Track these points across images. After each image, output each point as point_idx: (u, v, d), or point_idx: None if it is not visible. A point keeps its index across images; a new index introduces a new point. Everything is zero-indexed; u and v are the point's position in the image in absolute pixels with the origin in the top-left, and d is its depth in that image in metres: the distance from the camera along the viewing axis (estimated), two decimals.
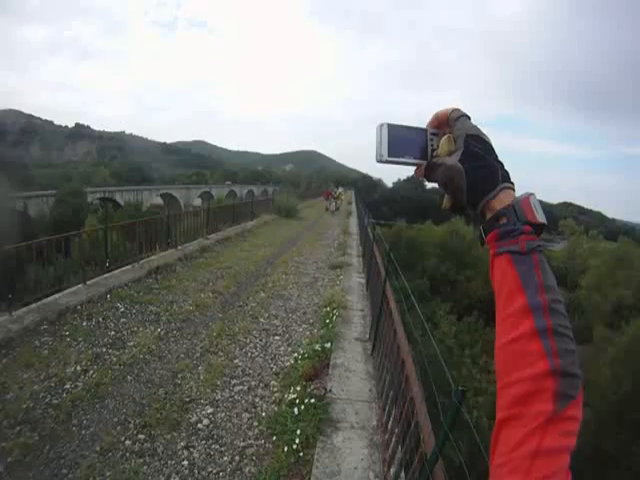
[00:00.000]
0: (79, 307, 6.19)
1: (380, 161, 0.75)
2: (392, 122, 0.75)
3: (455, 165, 0.69)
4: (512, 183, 0.69)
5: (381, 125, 0.75)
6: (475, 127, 0.71)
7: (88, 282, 7.06)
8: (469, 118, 0.73)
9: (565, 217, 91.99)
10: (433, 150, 0.75)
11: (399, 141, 0.75)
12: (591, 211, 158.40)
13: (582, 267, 46.38)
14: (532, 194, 0.66)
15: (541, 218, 0.64)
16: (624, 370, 16.24)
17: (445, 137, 0.73)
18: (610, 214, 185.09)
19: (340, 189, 34.82)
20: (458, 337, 18.57)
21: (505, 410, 0.56)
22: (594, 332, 26.87)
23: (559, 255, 58.22)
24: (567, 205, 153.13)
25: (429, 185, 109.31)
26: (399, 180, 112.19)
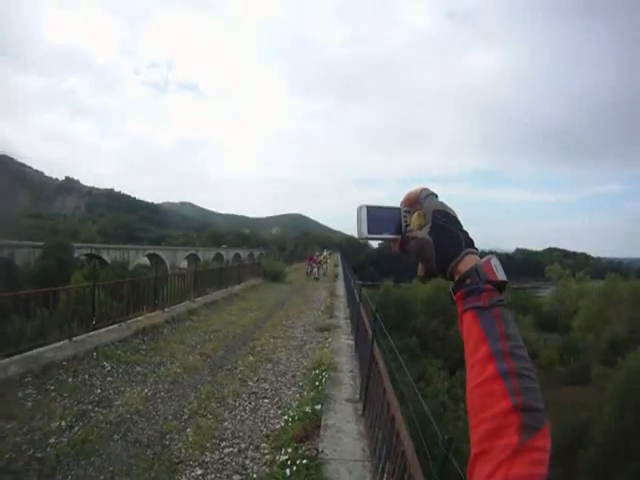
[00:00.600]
0: (65, 363, 6.16)
1: (361, 238, 0.86)
2: (369, 204, 0.85)
3: (424, 237, 0.78)
4: (476, 249, 0.78)
5: (361, 207, 0.84)
6: (441, 203, 0.81)
7: (74, 338, 7.02)
8: (436, 196, 0.83)
9: (552, 262, 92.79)
10: (407, 225, 0.85)
11: (377, 220, 0.85)
12: (575, 253, 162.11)
13: (572, 309, 46.64)
14: (493, 256, 0.75)
15: (501, 276, 0.72)
16: (625, 404, 16.28)
17: (416, 214, 0.83)
18: (595, 253, 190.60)
19: (325, 252, 34.13)
20: (452, 392, 18.36)
21: (476, 446, 0.60)
22: (592, 371, 26.70)
23: (548, 300, 58.47)
24: (552, 250, 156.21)
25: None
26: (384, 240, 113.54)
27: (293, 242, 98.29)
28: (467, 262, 0.75)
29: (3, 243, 47.45)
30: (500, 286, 0.72)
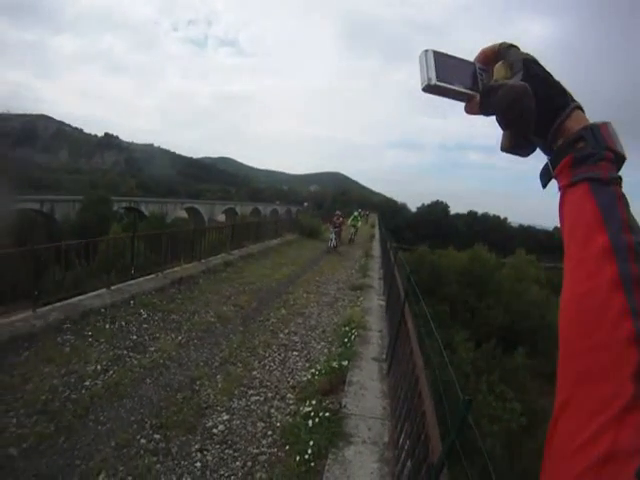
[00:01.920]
0: (103, 310, 6.40)
1: (428, 86, 0.64)
2: (436, 49, 0.66)
3: (520, 83, 0.58)
4: (580, 104, 0.60)
5: (425, 51, 0.65)
6: (530, 54, 0.62)
7: (112, 287, 7.30)
8: (519, 49, 0.64)
9: None
10: (484, 84, 0.65)
11: (447, 68, 0.65)
12: None
13: None
14: (609, 122, 0.56)
15: (621, 149, 0.54)
16: None
17: (499, 64, 0.64)
18: None
19: (357, 212, 26.38)
20: (475, 364, 18.34)
21: (569, 389, 0.43)
22: None
23: None
24: None
25: (453, 211, 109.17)
26: (423, 205, 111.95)
27: (331, 200, 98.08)
28: (577, 119, 0.57)
29: (43, 198, 49.33)
30: (618, 162, 0.54)
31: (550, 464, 0.43)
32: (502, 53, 0.64)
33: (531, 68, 0.60)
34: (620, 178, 0.52)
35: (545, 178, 0.61)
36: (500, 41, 0.66)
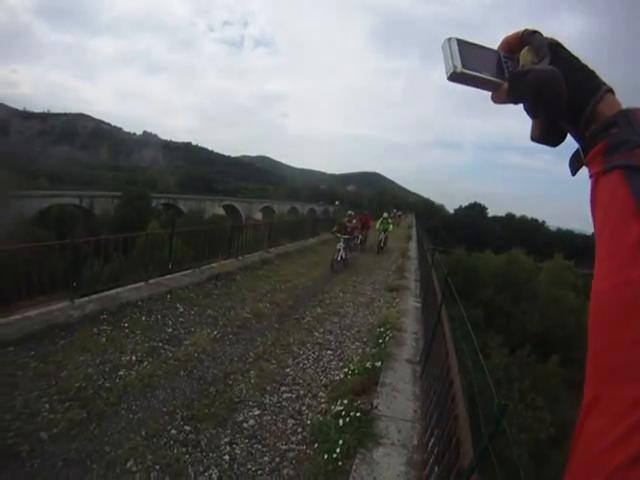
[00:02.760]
0: (139, 303, 6.57)
1: (454, 74, 0.62)
2: (459, 37, 0.65)
3: (549, 67, 0.57)
4: (612, 88, 0.57)
5: (449, 39, 0.64)
6: (555, 39, 0.61)
7: (150, 281, 7.50)
8: (542, 35, 0.62)
9: None
10: (511, 72, 0.63)
11: (472, 57, 0.63)
12: None
13: None
14: None
15: None
16: None
17: (525, 48, 0.63)
18: None
19: (387, 214, 19.94)
20: (508, 370, 17.88)
21: (598, 386, 0.42)
22: None
23: None
24: None
25: (490, 213, 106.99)
26: (460, 207, 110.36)
27: (368, 200, 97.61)
28: (611, 103, 0.55)
29: (82, 193, 51.17)
30: None
31: (577, 462, 0.41)
32: (526, 39, 0.63)
33: (558, 52, 0.59)
34: None
35: (575, 165, 0.59)
36: (523, 28, 0.64)
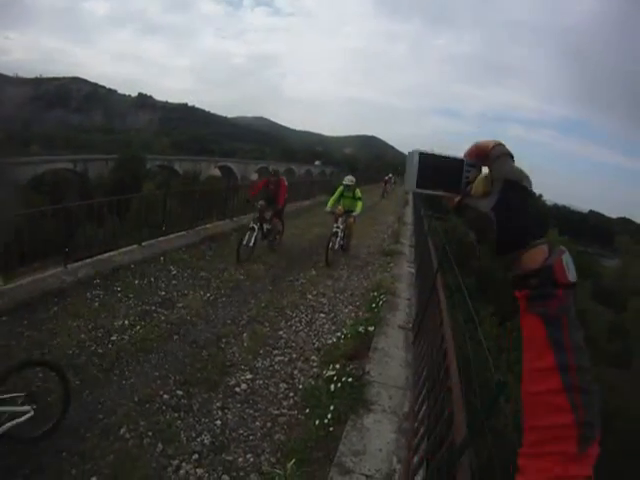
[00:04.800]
0: (132, 266, 6.51)
1: (408, 192, 0.68)
2: (424, 150, 0.70)
3: (487, 214, 0.66)
4: (547, 240, 0.65)
5: (413, 152, 0.70)
6: (517, 171, 0.66)
7: (144, 243, 7.40)
8: (512, 157, 0.67)
9: (623, 233, 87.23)
10: (468, 183, 0.71)
11: (430, 171, 0.70)
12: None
13: (634, 289, 43.67)
14: (564, 251, 0.63)
15: (572, 278, 0.62)
16: None
17: (482, 176, 0.70)
18: None
19: (348, 180, 14.99)
20: (497, 341, 18.13)
21: (531, 447, 0.62)
22: (634, 358, 25.72)
23: (611, 272, 55.45)
24: (625, 221, 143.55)
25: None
26: None
27: (365, 163, 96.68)
28: (534, 256, 0.64)
29: (76, 157, 50.38)
30: (570, 286, 0.62)
31: None
32: (491, 159, 0.68)
33: (508, 196, 0.65)
34: (569, 306, 0.61)
35: (510, 284, 0.68)
36: (496, 141, 0.69)
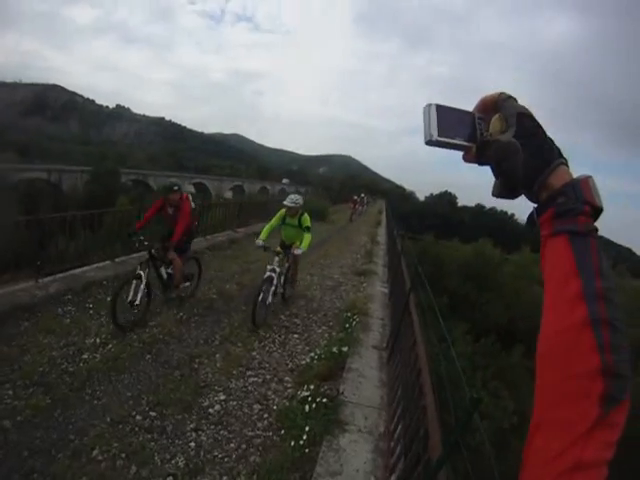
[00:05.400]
0: (105, 282, 6.40)
1: (430, 141, 0.71)
2: (439, 102, 0.73)
3: (511, 141, 0.65)
4: (565, 159, 0.66)
5: (429, 105, 0.72)
6: (525, 107, 0.69)
7: (116, 259, 7.31)
8: (516, 101, 0.70)
9: None
10: (482, 134, 0.72)
11: (448, 122, 0.72)
12: (620, 246, 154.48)
13: None
14: (590, 176, 0.63)
15: (599, 202, 0.60)
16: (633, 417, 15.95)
17: (495, 117, 0.71)
18: None
19: (295, 197, 9.20)
20: (471, 359, 18.31)
21: (543, 411, 0.53)
22: None
23: None
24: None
25: (461, 203, 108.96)
26: (431, 195, 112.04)
27: (340, 183, 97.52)
28: (561, 175, 0.63)
29: (51, 167, 49.58)
30: (596, 214, 0.61)
31: (528, 471, 0.53)
32: (499, 104, 0.71)
33: (524, 123, 0.67)
34: (596, 229, 0.59)
35: (531, 224, 0.67)
36: (499, 91, 0.72)
